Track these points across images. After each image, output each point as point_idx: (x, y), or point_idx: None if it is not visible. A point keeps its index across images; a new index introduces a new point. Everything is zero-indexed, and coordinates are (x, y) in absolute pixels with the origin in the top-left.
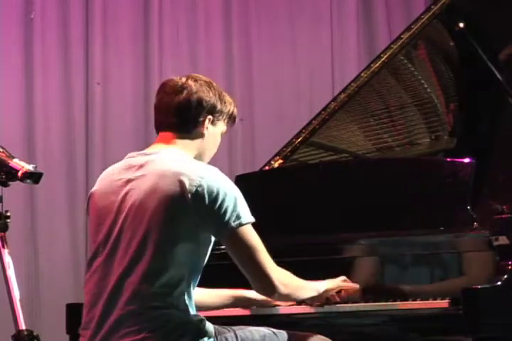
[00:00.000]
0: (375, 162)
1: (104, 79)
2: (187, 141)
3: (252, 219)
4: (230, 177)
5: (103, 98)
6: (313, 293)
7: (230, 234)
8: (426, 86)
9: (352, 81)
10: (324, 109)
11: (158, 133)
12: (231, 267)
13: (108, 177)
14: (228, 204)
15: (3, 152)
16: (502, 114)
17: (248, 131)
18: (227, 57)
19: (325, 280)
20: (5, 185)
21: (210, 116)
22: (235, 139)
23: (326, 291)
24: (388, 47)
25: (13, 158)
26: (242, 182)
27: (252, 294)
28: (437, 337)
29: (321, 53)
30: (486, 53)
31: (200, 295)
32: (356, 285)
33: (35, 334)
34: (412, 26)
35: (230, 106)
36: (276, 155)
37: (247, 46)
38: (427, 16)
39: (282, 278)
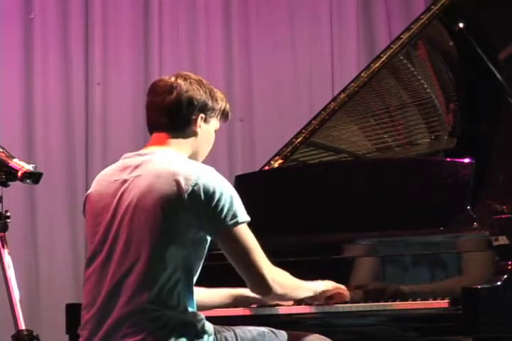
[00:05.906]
0: (375, 162)
1: (104, 79)
2: (181, 141)
3: (248, 219)
4: (230, 177)
5: (103, 98)
6: (310, 293)
7: (226, 233)
8: (426, 86)
9: (352, 81)
10: (324, 109)
11: (151, 133)
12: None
13: (104, 179)
14: (224, 203)
15: (3, 152)
16: (502, 114)
17: (248, 131)
18: (227, 58)
19: (323, 281)
20: (5, 185)
21: (202, 115)
22: (235, 139)
23: (323, 292)
24: (388, 47)
25: (13, 158)
26: (242, 182)
27: (250, 292)
28: (437, 337)
29: (321, 53)
30: (486, 53)
31: (199, 295)
32: (347, 293)
33: (35, 334)
34: (412, 26)
35: (221, 103)
36: (276, 155)
37: (246, 46)
38: (427, 16)
39: (277, 278)
